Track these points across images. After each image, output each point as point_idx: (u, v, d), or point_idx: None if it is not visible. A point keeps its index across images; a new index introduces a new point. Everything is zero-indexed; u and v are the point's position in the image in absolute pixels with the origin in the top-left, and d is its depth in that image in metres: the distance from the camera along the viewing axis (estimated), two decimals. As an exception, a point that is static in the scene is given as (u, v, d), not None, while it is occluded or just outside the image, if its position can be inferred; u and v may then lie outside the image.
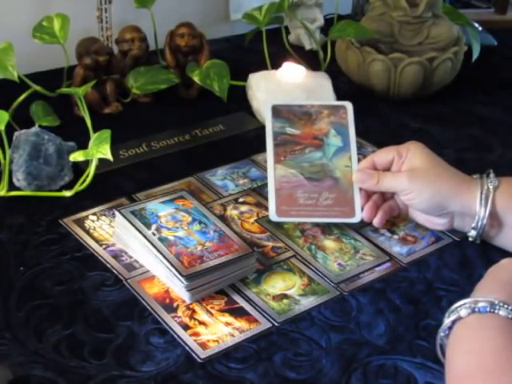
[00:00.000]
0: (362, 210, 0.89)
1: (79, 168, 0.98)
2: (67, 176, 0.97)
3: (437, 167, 0.87)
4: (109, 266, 0.83)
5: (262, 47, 1.24)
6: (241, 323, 0.76)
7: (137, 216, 0.83)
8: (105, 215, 0.92)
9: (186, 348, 0.73)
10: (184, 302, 0.78)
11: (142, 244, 0.81)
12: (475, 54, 1.28)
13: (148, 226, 0.82)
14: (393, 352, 0.73)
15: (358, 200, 0.89)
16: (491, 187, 0.84)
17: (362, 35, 1.22)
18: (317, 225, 0.91)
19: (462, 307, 0.65)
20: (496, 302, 0.63)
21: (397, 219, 0.93)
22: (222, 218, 0.89)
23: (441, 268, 0.85)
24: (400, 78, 1.20)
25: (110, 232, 0.88)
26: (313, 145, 0.93)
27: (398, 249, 0.88)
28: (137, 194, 0.96)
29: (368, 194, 0.90)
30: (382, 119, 1.20)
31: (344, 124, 0.95)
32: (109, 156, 0.90)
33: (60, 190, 0.96)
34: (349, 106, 0.96)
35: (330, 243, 0.88)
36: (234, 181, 1.00)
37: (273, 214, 0.88)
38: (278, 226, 0.91)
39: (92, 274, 0.82)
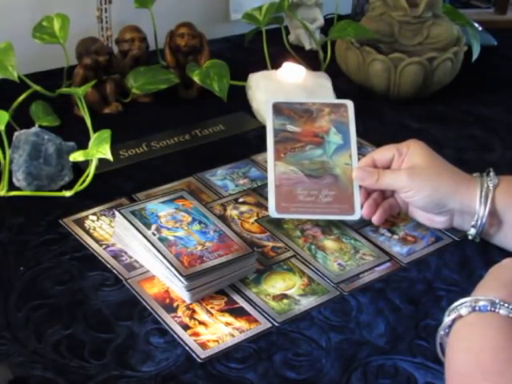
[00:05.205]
0: (362, 207, 0.89)
1: (79, 168, 0.98)
2: (67, 176, 0.97)
3: (437, 165, 0.87)
4: (109, 266, 0.83)
5: (262, 47, 1.24)
6: (241, 323, 0.76)
7: (137, 216, 0.83)
8: (105, 215, 0.91)
9: (186, 348, 0.72)
10: (184, 301, 0.78)
11: (142, 244, 0.81)
12: (475, 54, 1.28)
13: (148, 226, 0.82)
14: (393, 352, 0.73)
15: (357, 197, 0.89)
16: (491, 185, 0.84)
17: (362, 35, 1.22)
18: (317, 225, 0.91)
19: (462, 306, 0.65)
20: (496, 301, 0.63)
21: (397, 219, 0.93)
22: (222, 218, 0.88)
23: (441, 268, 0.85)
24: (400, 78, 1.20)
25: (110, 232, 0.88)
26: (313, 142, 0.93)
27: (397, 249, 0.88)
28: (137, 193, 0.96)
29: (368, 192, 0.89)
30: (381, 119, 1.20)
31: (344, 122, 0.95)
32: (109, 156, 0.90)
33: (60, 189, 0.96)
34: (349, 104, 0.96)
35: (329, 243, 0.88)
36: (234, 181, 1.00)
37: (272, 211, 0.88)
38: (278, 226, 0.91)
39: (92, 274, 0.82)
